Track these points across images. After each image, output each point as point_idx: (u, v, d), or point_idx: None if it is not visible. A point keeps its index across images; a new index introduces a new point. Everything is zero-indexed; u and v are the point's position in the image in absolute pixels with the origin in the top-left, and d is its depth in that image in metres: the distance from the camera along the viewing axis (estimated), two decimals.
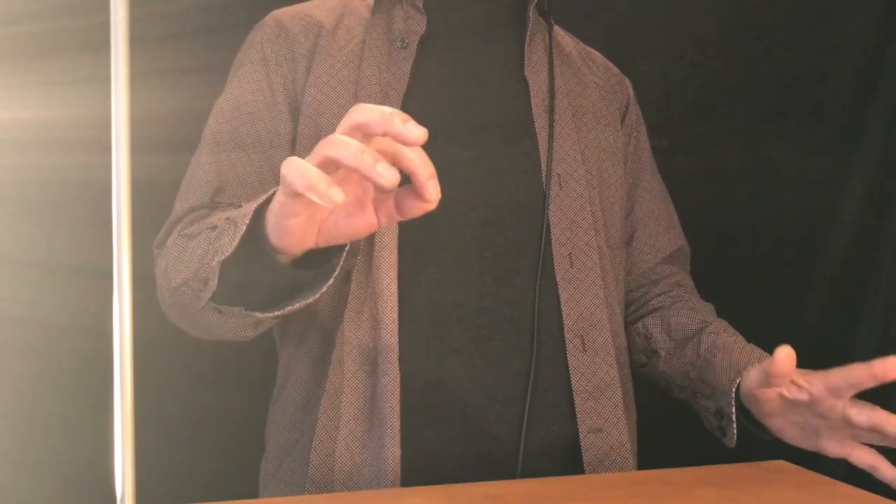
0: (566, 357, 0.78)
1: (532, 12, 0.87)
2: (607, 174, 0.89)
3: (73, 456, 1.14)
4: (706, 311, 0.93)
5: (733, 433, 0.78)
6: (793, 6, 1.37)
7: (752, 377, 0.73)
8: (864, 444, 0.70)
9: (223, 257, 0.66)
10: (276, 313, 0.68)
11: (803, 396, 0.68)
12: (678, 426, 1.23)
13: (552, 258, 0.80)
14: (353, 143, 0.52)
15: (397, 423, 0.73)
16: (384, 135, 0.52)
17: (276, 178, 0.80)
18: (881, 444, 0.68)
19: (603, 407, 0.79)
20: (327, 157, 0.53)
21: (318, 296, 0.67)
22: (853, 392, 0.66)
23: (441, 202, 0.77)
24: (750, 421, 0.77)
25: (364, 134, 0.53)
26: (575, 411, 0.78)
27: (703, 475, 0.70)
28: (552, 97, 0.85)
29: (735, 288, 1.14)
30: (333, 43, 0.84)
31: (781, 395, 0.70)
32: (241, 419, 1.15)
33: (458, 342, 0.77)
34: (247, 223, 0.64)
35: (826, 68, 1.37)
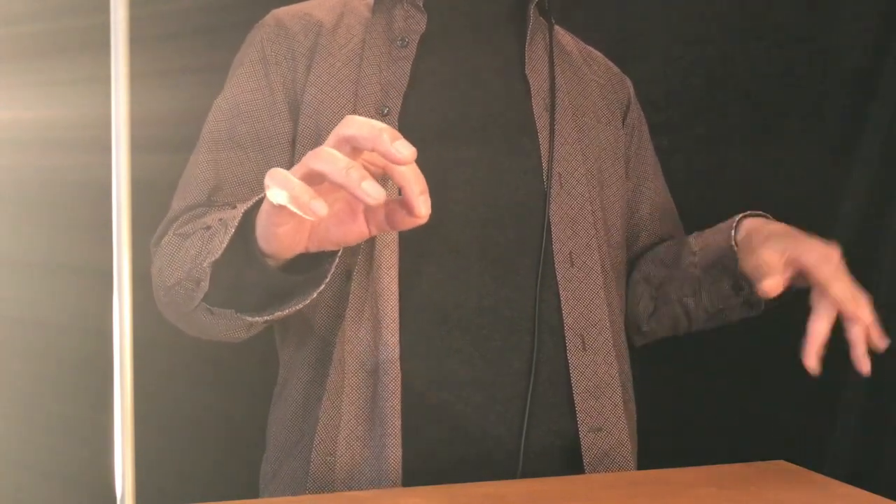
0: (566, 356, 0.78)
1: (532, 11, 0.87)
2: (608, 173, 0.89)
3: (73, 456, 1.14)
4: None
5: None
6: (793, 6, 1.37)
7: (750, 240, 0.77)
8: None
9: (213, 259, 0.66)
10: (266, 318, 0.68)
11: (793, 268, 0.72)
12: (678, 426, 1.24)
13: (553, 258, 0.80)
14: (341, 158, 0.52)
15: (398, 423, 0.73)
16: (372, 150, 0.52)
17: None
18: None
19: (603, 406, 0.79)
20: (313, 171, 0.53)
21: (308, 302, 0.66)
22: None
23: (441, 201, 0.77)
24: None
25: (353, 147, 0.53)
26: (575, 411, 0.78)
27: (703, 475, 0.70)
28: (553, 96, 0.85)
29: None
30: (333, 42, 0.84)
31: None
32: (241, 419, 1.15)
33: (459, 342, 0.77)
34: (235, 226, 0.64)
35: (826, 68, 1.37)
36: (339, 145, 0.53)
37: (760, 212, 0.85)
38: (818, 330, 0.70)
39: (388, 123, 0.77)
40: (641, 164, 0.98)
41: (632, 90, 0.99)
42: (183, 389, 1.20)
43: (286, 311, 0.67)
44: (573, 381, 0.78)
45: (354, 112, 0.79)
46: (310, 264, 0.65)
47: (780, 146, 1.37)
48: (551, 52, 0.88)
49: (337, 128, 0.54)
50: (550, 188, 0.81)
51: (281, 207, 0.55)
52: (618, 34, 1.31)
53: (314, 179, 0.53)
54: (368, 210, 0.59)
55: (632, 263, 0.97)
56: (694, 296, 0.87)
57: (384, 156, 0.52)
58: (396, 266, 0.76)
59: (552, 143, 0.83)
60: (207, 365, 1.20)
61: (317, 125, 0.81)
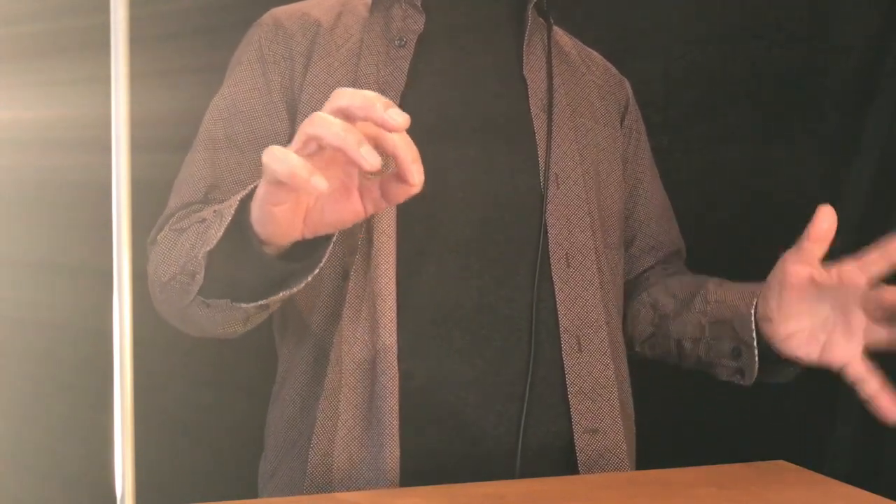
0: (562, 357, 0.78)
1: (531, 12, 0.87)
2: (605, 174, 0.89)
3: (73, 456, 1.14)
4: (704, 276, 0.92)
5: (754, 362, 0.76)
6: (793, 6, 1.37)
7: (785, 265, 0.69)
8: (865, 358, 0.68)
9: (209, 249, 0.65)
10: (261, 303, 0.67)
11: (833, 279, 0.66)
12: (678, 426, 1.24)
13: (549, 258, 0.80)
14: (336, 122, 0.51)
15: (396, 423, 0.73)
16: (365, 119, 0.52)
17: None
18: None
19: (599, 408, 0.79)
20: (309, 136, 0.52)
21: (302, 286, 0.66)
22: (876, 272, 0.65)
23: (439, 201, 0.77)
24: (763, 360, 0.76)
25: (345, 118, 0.53)
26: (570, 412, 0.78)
27: (703, 475, 0.70)
28: (550, 97, 0.85)
29: None
30: (331, 42, 0.84)
31: (811, 280, 0.67)
32: (241, 419, 1.15)
33: (457, 342, 0.77)
34: (232, 212, 0.63)
35: (826, 68, 1.37)
36: (332, 116, 0.53)
37: None
38: None
39: None
40: (638, 167, 0.98)
41: (630, 92, 0.99)
42: (183, 389, 1.20)
43: (280, 295, 0.67)
44: (568, 382, 0.78)
45: None
46: (305, 253, 0.64)
47: (780, 146, 1.37)
48: (549, 52, 0.88)
49: (329, 100, 0.54)
50: (547, 189, 0.81)
51: (279, 185, 0.54)
52: (618, 34, 1.31)
53: (311, 146, 0.53)
54: (363, 188, 0.58)
55: (640, 279, 0.96)
56: (693, 342, 0.86)
57: (377, 123, 0.51)
58: (394, 266, 0.76)
59: (549, 143, 0.83)
60: (207, 365, 1.20)
61: None
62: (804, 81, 1.38)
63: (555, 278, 0.80)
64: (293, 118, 0.83)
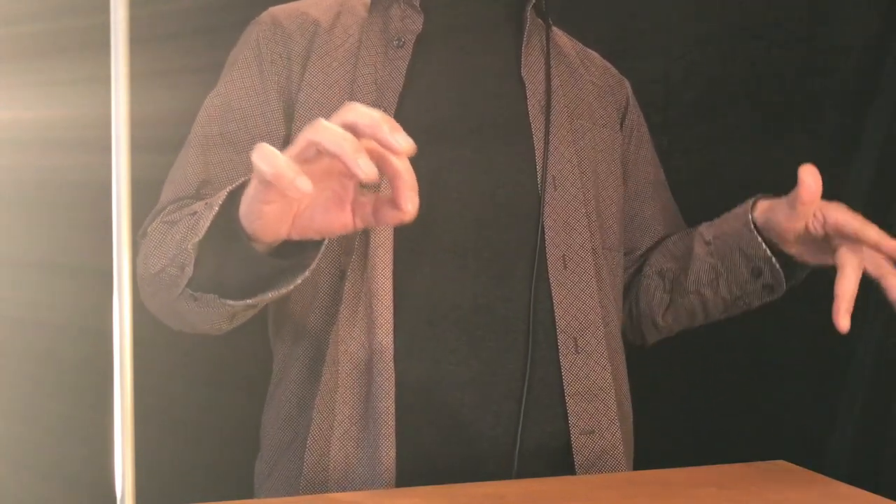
0: (559, 358, 0.78)
1: (529, 12, 0.87)
2: (604, 176, 0.89)
3: (73, 456, 1.14)
4: (689, 229, 0.94)
5: (777, 271, 0.80)
6: (793, 6, 1.37)
7: (775, 212, 0.77)
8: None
9: (197, 240, 0.65)
10: (248, 301, 0.67)
11: (820, 230, 0.72)
12: (678, 426, 1.24)
13: (546, 259, 0.80)
14: (338, 131, 0.51)
15: (392, 423, 0.73)
16: (371, 138, 0.52)
17: None
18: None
19: (595, 409, 0.79)
20: (309, 141, 0.52)
21: (291, 288, 0.66)
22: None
23: (436, 202, 0.77)
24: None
25: (352, 133, 0.52)
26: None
27: (703, 475, 0.70)
28: (549, 98, 0.85)
29: None
30: (330, 41, 0.84)
31: (805, 228, 0.73)
32: (241, 419, 1.15)
33: (454, 342, 0.77)
34: (220, 204, 0.63)
35: (826, 68, 1.37)
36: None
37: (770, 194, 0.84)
38: (847, 288, 0.70)
39: None
40: (642, 166, 0.98)
41: (630, 92, 0.99)
42: (182, 389, 1.20)
43: (269, 296, 0.66)
44: (565, 383, 0.78)
45: None
46: (292, 252, 0.64)
47: (780, 146, 1.37)
48: (548, 53, 0.88)
49: (338, 112, 0.54)
50: (545, 190, 0.81)
51: (269, 184, 0.54)
52: (618, 34, 1.31)
53: (309, 152, 0.53)
54: (356, 203, 0.58)
55: (640, 262, 0.97)
56: (711, 285, 0.86)
57: (382, 143, 0.52)
58: (391, 266, 0.76)
59: (547, 144, 0.82)
60: (207, 365, 1.20)
61: None
62: (804, 81, 1.38)
63: (551, 279, 0.80)
64: (289, 118, 0.83)
